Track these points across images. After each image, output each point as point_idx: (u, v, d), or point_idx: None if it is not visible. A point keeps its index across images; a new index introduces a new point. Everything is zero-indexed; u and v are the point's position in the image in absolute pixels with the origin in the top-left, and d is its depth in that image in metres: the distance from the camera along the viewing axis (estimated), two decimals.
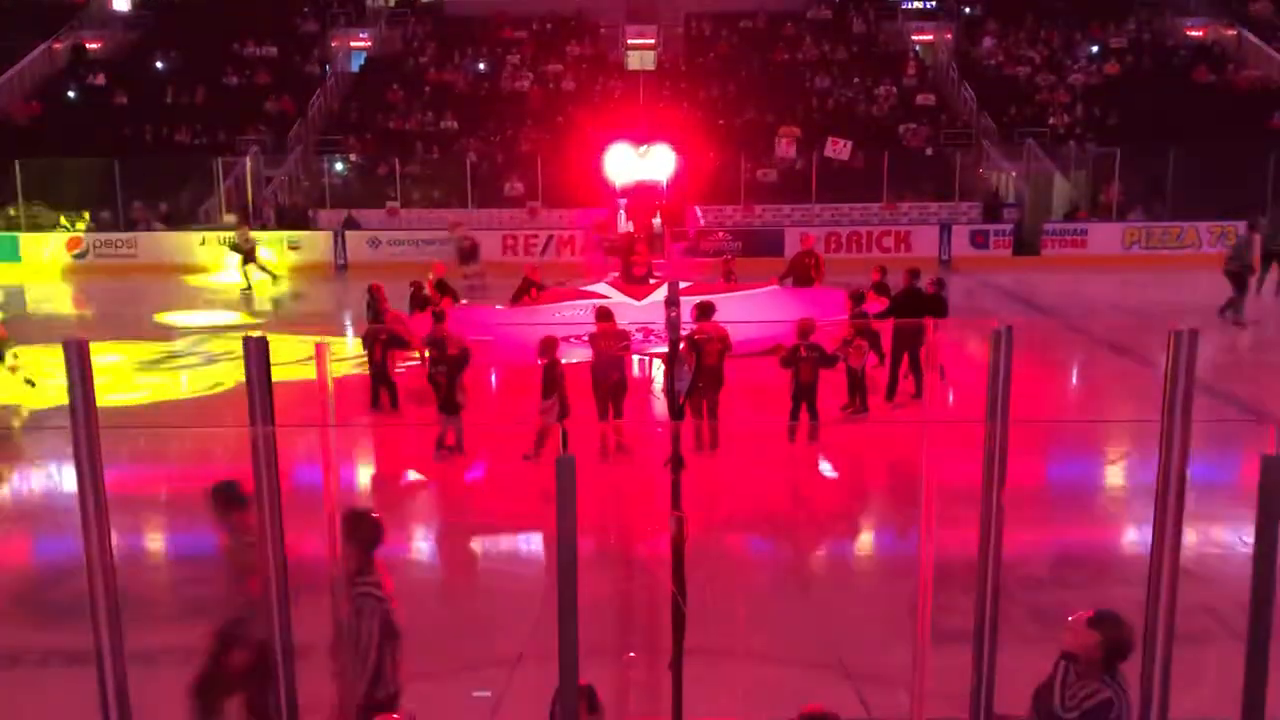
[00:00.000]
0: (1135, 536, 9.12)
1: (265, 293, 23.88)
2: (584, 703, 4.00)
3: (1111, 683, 4.40)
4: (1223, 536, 8.85)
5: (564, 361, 11.25)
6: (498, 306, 16.78)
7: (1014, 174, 29.22)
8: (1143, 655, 4.35)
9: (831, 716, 3.76)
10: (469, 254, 23.69)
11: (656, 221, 25.39)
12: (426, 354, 11.93)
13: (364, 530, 4.84)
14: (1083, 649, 4.56)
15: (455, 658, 6.99)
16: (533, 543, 9.55)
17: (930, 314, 13.35)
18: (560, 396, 10.89)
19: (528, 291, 16.51)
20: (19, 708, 6.58)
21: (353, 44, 36.68)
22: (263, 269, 24.46)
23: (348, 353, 16.45)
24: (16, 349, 14.20)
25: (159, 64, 33.61)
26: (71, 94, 32.59)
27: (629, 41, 36.79)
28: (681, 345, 4.34)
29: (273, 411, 3.81)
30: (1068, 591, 7.90)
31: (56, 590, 8.21)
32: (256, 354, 3.95)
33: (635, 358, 13.88)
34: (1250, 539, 3.32)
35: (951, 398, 10.71)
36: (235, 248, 24.27)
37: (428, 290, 15.77)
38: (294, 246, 27.31)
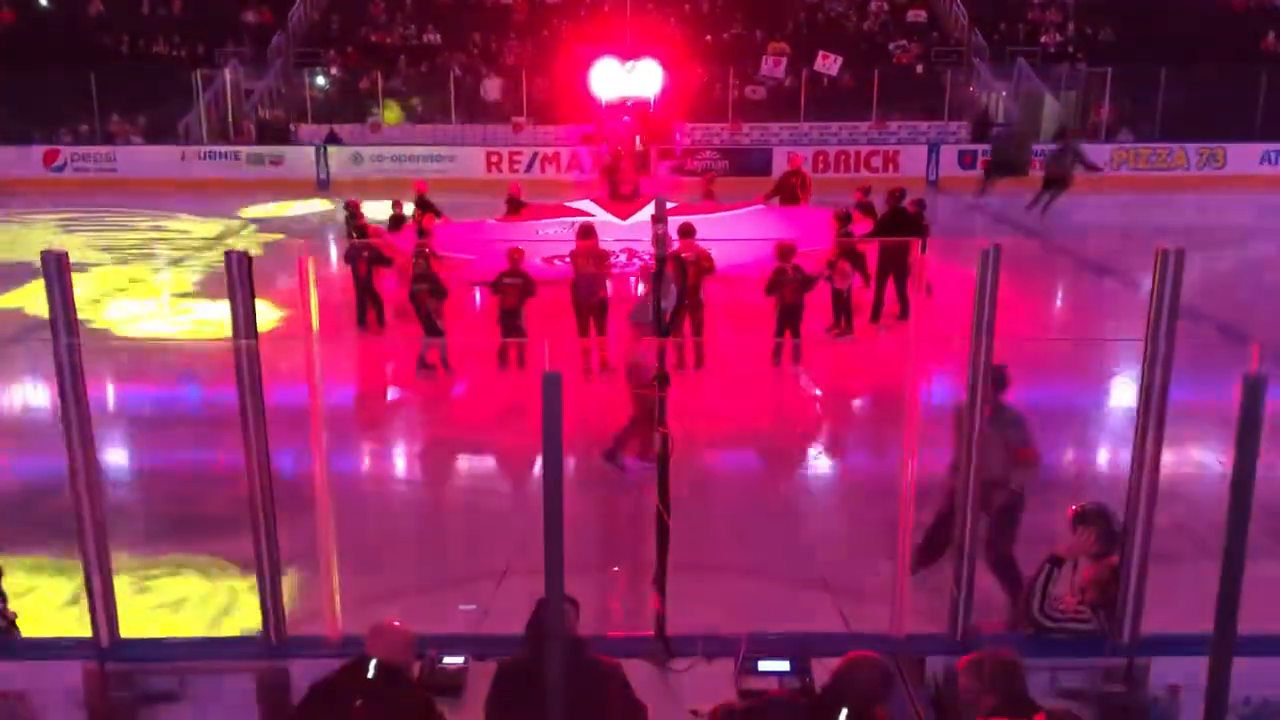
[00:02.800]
0: (1115, 456, 9.23)
1: None
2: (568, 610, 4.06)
3: (1103, 617, 4.49)
4: (1199, 456, 8.96)
5: (529, 274, 11.36)
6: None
7: (1004, 93, 28.94)
8: (1120, 570, 4.44)
9: (881, 662, 3.78)
10: None
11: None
12: (412, 271, 11.86)
13: None
14: (1078, 550, 4.66)
15: (441, 571, 7.07)
16: (517, 458, 9.59)
17: (914, 234, 13.31)
18: (502, 302, 11.20)
19: (518, 211, 16.36)
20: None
21: None
22: None
23: (332, 271, 16.34)
24: None
25: None
26: (44, 2, 31.77)
27: None
28: (668, 265, 4.32)
29: (255, 326, 3.80)
30: (1047, 512, 8.00)
31: (46, 504, 8.22)
32: (239, 269, 3.93)
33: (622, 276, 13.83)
34: (1226, 460, 3.36)
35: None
36: None
37: (400, 210, 15.56)
38: (275, 162, 26.96)
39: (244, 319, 3.77)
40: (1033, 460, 6.42)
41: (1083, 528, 4.71)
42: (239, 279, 3.86)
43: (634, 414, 8.65)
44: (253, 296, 3.87)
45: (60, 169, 26.54)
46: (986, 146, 27.13)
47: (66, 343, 3.58)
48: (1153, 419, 3.85)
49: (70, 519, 4.20)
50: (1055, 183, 21.26)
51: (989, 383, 3.74)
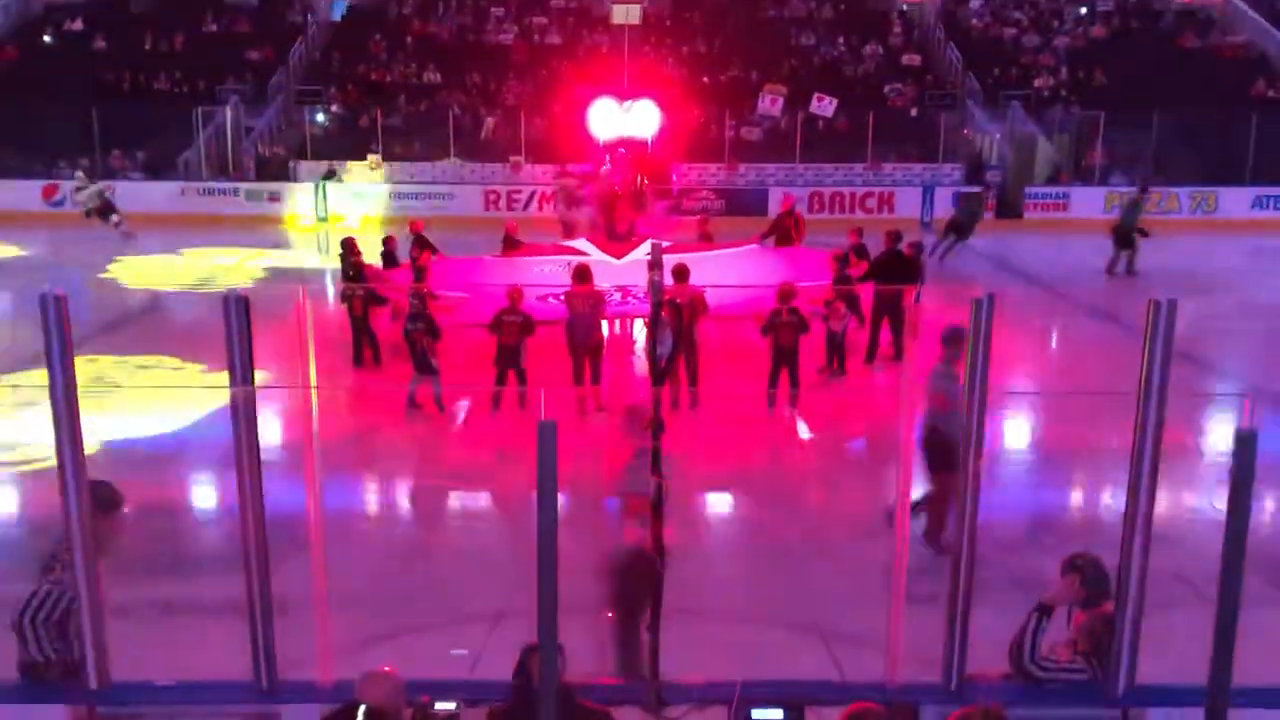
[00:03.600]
0: (1109, 501, 9.22)
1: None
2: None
3: (1097, 666, 4.48)
4: (1194, 502, 8.96)
5: (528, 314, 11.32)
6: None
7: (998, 136, 29.18)
8: (1115, 617, 4.43)
9: (884, 714, 3.76)
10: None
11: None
12: (407, 310, 11.88)
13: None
14: (1063, 597, 4.64)
15: (434, 615, 7.03)
16: (511, 499, 9.57)
17: (909, 277, 13.37)
18: (501, 340, 11.11)
19: (515, 249, 16.42)
20: None
21: None
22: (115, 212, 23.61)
23: (329, 306, 16.35)
24: None
25: (137, 10, 32.99)
26: (48, 39, 32.02)
27: None
28: (664, 310, 4.34)
29: (252, 370, 3.80)
30: (1042, 556, 7.99)
31: (41, 540, 8.18)
32: (237, 312, 3.94)
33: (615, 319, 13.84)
34: (1221, 505, 3.37)
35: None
36: (93, 211, 23.49)
37: (393, 247, 15.61)
38: (273, 198, 27.09)
39: (241, 363, 3.77)
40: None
41: (1069, 574, 4.70)
42: (236, 322, 3.86)
43: (934, 492, 8.06)
44: (250, 340, 3.87)
45: (59, 204, 26.60)
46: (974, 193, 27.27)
47: (63, 387, 3.58)
48: (1146, 471, 3.86)
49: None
50: (958, 229, 20.80)
51: (982, 435, 3.75)
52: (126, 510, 4.65)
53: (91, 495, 4.49)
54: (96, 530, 4.51)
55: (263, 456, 4.20)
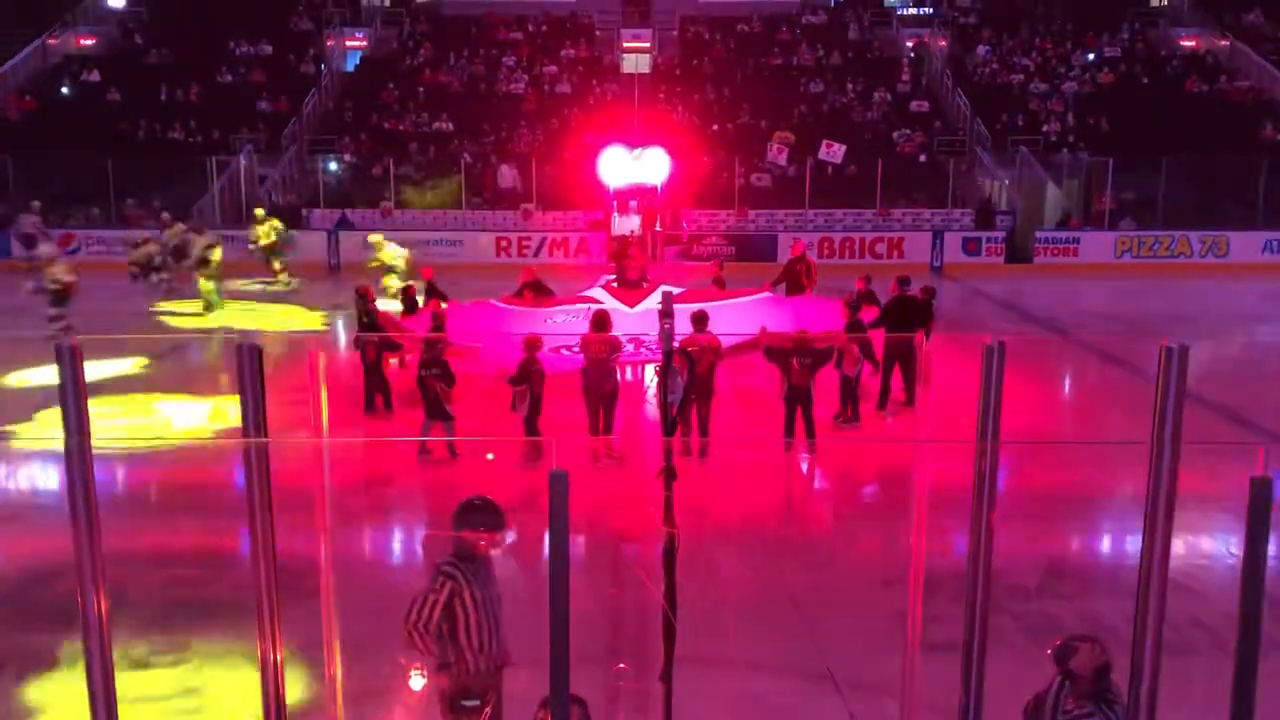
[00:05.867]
0: (1124, 548, 9.15)
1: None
2: (576, 710, 4.01)
3: (1105, 708, 4.44)
4: (1210, 548, 8.88)
5: (543, 365, 11.29)
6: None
7: (1007, 182, 29.30)
8: (1130, 667, 4.38)
9: None
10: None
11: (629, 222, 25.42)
12: (422, 356, 11.90)
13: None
14: (1086, 670, 4.63)
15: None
16: (523, 546, 9.51)
17: (921, 321, 13.36)
18: (532, 391, 11.00)
19: (537, 294, 16.48)
20: (4, 711, 6.56)
21: (348, 44, 36.62)
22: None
23: (340, 353, 16.42)
24: None
25: (153, 61, 33.51)
26: (65, 90, 32.49)
27: (624, 44, 36.83)
28: (675, 358, 4.34)
29: (265, 422, 3.80)
30: (1057, 602, 7.92)
31: (44, 591, 8.18)
32: (250, 362, 3.93)
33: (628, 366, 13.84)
34: (1238, 550, 3.34)
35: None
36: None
37: (413, 293, 15.75)
38: (286, 245, 27.27)
39: (254, 414, 3.77)
40: None
41: (1084, 644, 4.69)
42: (249, 372, 3.86)
43: None
44: (263, 392, 3.87)
45: (75, 251, 26.83)
46: (994, 233, 27.27)
47: (77, 437, 3.59)
48: (1160, 518, 3.83)
49: (70, 607, 4.17)
50: None
51: (995, 484, 3.73)
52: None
53: (479, 513, 5.42)
54: (473, 545, 5.34)
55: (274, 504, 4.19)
